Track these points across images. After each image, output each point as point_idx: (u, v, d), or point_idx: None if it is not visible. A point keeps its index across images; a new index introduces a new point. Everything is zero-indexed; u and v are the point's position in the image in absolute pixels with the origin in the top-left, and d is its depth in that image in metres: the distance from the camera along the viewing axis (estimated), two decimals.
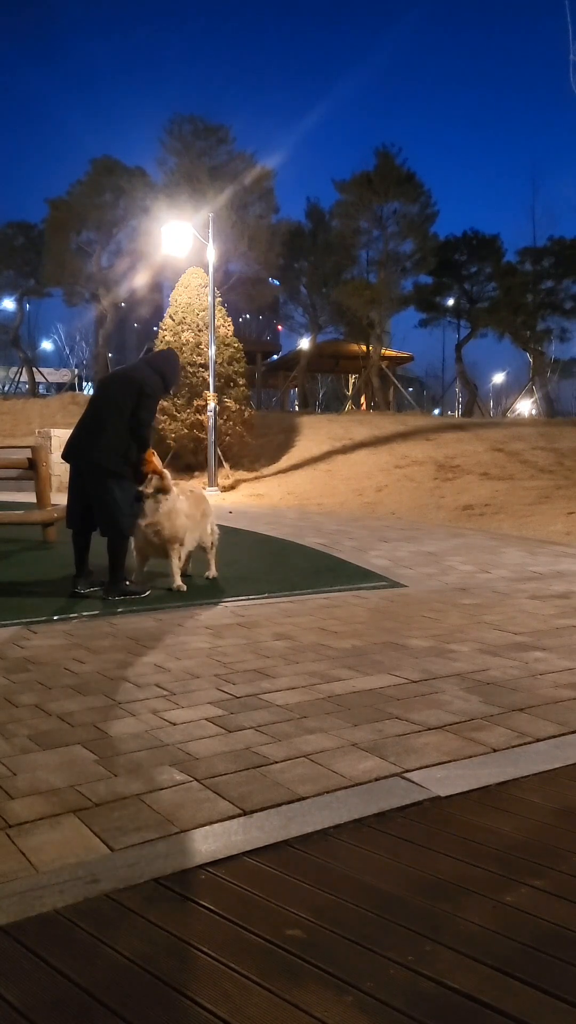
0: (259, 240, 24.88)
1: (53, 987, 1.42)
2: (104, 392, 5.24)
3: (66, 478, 5.26)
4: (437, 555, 7.02)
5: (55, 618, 4.49)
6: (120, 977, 1.44)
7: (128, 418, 5.02)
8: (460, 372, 32.59)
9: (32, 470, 7.79)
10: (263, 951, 1.52)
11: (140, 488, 5.17)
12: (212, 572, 5.75)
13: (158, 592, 5.21)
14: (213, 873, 1.81)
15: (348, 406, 34.75)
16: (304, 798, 2.19)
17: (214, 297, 14.62)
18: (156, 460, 5.27)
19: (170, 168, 25.36)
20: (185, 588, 5.28)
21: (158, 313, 19.31)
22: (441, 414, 40.29)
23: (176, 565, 5.32)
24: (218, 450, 14.36)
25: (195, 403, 15.13)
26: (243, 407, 15.88)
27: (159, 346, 15.83)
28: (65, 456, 5.19)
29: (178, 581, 5.29)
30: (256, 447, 16.59)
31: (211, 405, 14.07)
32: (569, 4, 15.72)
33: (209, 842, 1.95)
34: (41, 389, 36.48)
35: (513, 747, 2.59)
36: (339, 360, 34.39)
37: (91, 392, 5.67)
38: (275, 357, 39.05)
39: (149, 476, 5.19)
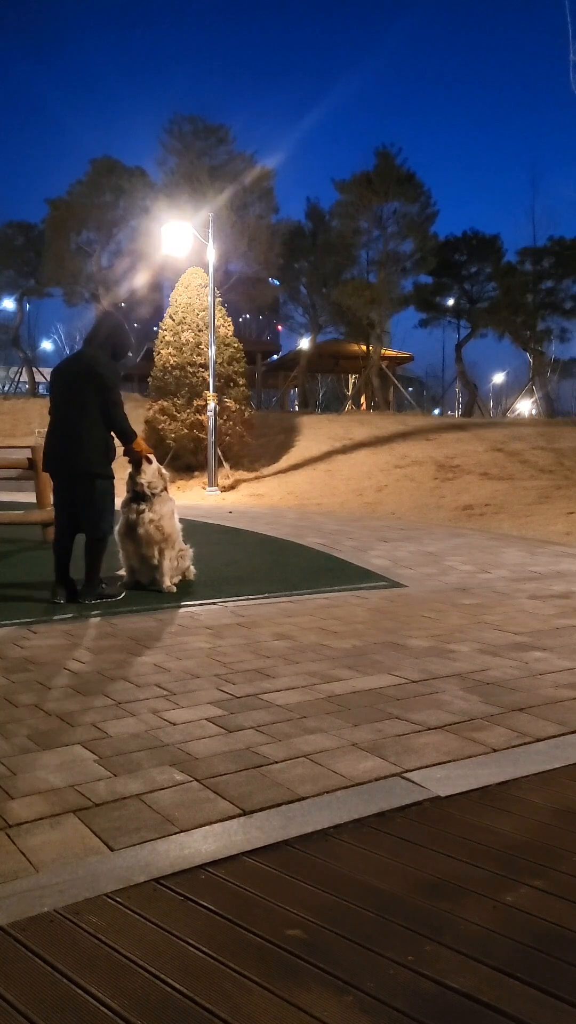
0: (259, 240, 24.88)
1: (53, 987, 1.42)
2: (66, 395, 5.04)
3: None
4: (437, 555, 7.02)
5: (55, 618, 4.50)
6: (120, 977, 1.44)
7: (98, 415, 4.93)
8: (460, 372, 32.60)
9: (32, 470, 7.79)
10: (263, 951, 1.52)
11: (136, 482, 5.21)
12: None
13: (156, 593, 5.22)
14: (213, 873, 1.81)
15: (348, 406, 34.73)
16: (304, 798, 2.19)
17: (214, 297, 14.62)
18: (144, 444, 5.32)
19: (170, 168, 25.40)
20: (175, 589, 5.30)
21: (158, 313, 19.30)
22: (441, 414, 40.32)
23: (168, 565, 5.33)
24: (218, 450, 14.36)
25: (195, 403, 15.12)
26: (243, 407, 15.87)
27: (158, 347, 15.81)
28: (46, 468, 5.10)
29: (168, 582, 5.29)
30: (256, 447, 16.59)
31: (211, 405, 14.07)
32: (569, 4, 15.72)
33: (209, 842, 1.95)
34: (41, 389, 36.39)
35: (513, 747, 2.59)
36: (339, 360, 34.38)
37: (50, 387, 5.55)
38: (275, 357, 39.05)
39: (141, 461, 5.24)
